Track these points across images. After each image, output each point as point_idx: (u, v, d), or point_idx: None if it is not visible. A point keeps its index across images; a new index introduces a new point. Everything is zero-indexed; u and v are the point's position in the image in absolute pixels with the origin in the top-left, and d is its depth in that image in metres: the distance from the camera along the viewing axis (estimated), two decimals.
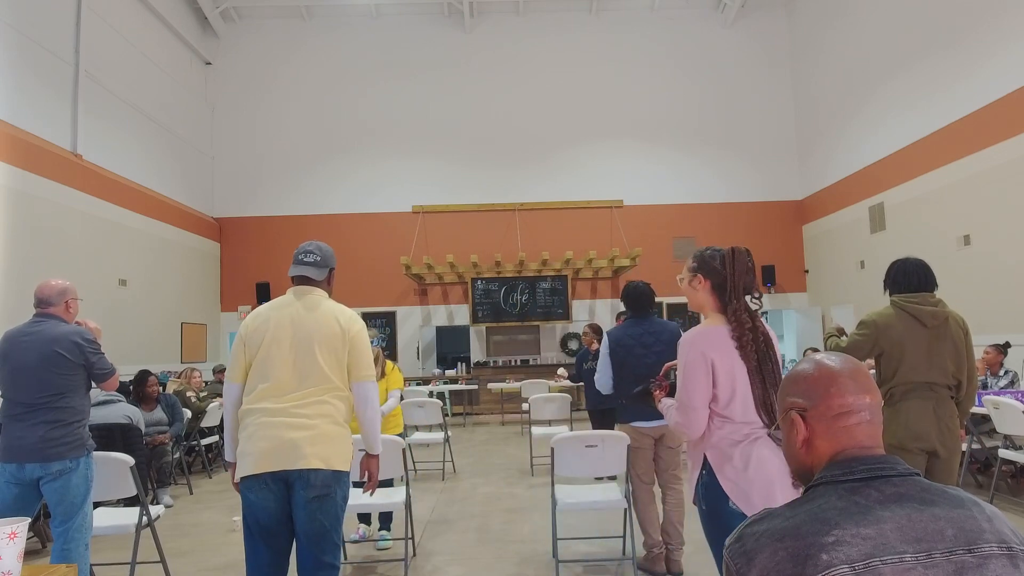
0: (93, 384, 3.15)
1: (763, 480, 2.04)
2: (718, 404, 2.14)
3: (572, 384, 7.97)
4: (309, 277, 2.60)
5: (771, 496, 2.01)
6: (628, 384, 3.77)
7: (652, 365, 3.74)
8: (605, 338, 3.91)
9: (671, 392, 2.39)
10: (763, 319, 2.28)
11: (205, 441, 7.34)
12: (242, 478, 2.40)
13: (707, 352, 2.14)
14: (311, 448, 2.36)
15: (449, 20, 13.80)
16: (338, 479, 2.42)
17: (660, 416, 3.71)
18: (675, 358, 3.79)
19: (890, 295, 3.10)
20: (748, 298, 2.25)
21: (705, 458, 2.17)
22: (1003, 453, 4.98)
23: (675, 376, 2.41)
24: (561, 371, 8.07)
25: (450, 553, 4.28)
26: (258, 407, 2.42)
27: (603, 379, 3.85)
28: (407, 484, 4.00)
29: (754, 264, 2.28)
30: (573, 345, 12.96)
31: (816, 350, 1.76)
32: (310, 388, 2.44)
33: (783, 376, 1.21)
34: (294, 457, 2.34)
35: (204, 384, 8.41)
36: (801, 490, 1.93)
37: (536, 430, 6.84)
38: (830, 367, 1.09)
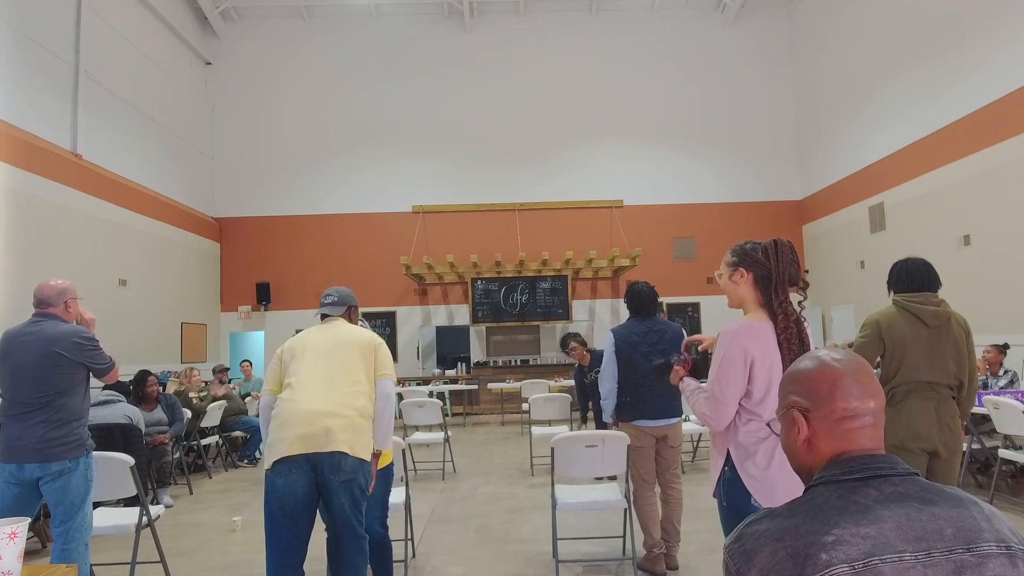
0: (94, 379, 3.15)
1: (787, 478, 1.99)
2: (750, 400, 2.09)
3: (576, 391, 7.83)
4: (330, 315, 3.06)
5: (795, 495, 1.96)
6: (632, 382, 3.77)
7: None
8: (610, 336, 3.89)
9: (693, 370, 2.33)
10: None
11: (205, 441, 7.34)
12: (274, 463, 2.63)
13: (749, 348, 2.07)
14: (342, 434, 2.63)
15: (449, 20, 13.80)
16: (361, 466, 2.70)
17: (660, 415, 3.76)
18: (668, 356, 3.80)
19: (893, 294, 3.09)
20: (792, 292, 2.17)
21: (728, 454, 2.13)
22: (1003, 453, 4.97)
23: (697, 351, 2.35)
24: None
25: (450, 553, 4.28)
26: (291, 397, 2.71)
27: (607, 378, 3.83)
28: (407, 484, 3.99)
29: (797, 256, 2.19)
30: None
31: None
32: (341, 381, 2.75)
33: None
34: (326, 441, 2.61)
35: (204, 384, 8.42)
36: None
37: (536, 430, 6.83)
38: (834, 368, 1.07)
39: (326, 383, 2.72)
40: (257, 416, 5.33)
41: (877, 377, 1.10)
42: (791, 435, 1.09)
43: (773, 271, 2.16)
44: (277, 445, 2.62)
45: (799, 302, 2.19)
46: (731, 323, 2.16)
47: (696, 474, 6.37)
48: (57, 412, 2.94)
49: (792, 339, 2.09)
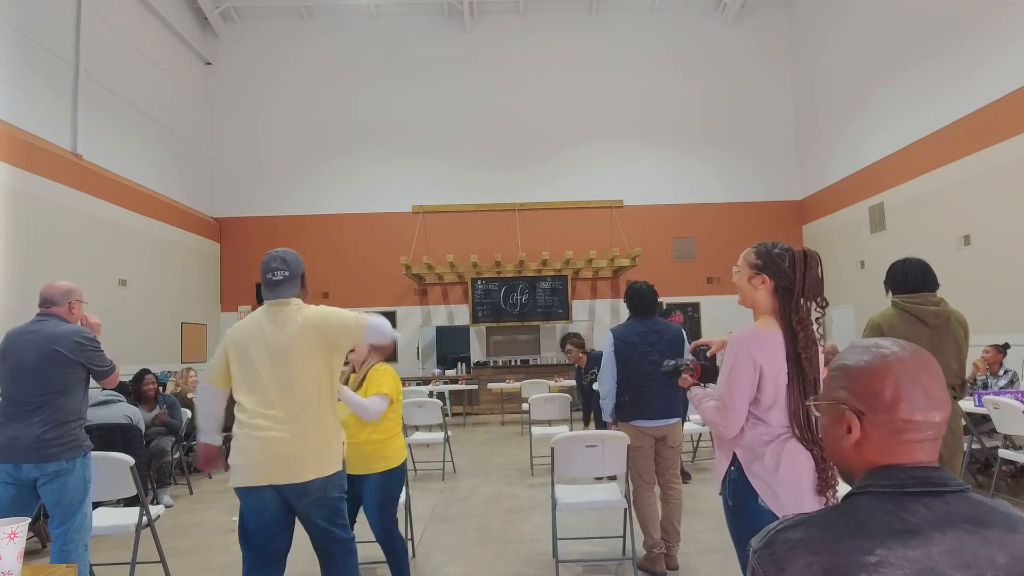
0: (94, 382, 3.14)
1: (792, 481, 2.01)
2: (758, 408, 2.10)
3: (576, 391, 7.82)
4: (280, 297, 2.61)
5: (799, 497, 1.98)
6: (631, 382, 3.77)
7: (657, 363, 3.74)
8: (609, 335, 3.89)
9: (701, 375, 2.32)
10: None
11: None
12: (235, 488, 2.52)
13: (758, 358, 2.06)
14: (305, 463, 2.46)
15: (449, 20, 13.80)
16: (331, 480, 2.54)
17: (659, 415, 3.76)
18: (678, 358, 3.80)
19: (891, 295, 3.09)
20: (812, 305, 2.13)
21: (734, 455, 2.14)
22: (1003, 453, 4.97)
23: (705, 356, 2.34)
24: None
25: (450, 553, 4.28)
26: (250, 422, 2.51)
27: (606, 377, 3.83)
28: (407, 484, 3.99)
29: (823, 272, 2.13)
30: None
31: None
32: (295, 400, 2.50)
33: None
34: (285, 471, 2.45)
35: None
36: (828, 495, 1.84)
37: (536, 430, 6.83)
38: (899, 372, 0.94)
39: (282, 400, 2.48)
40: None
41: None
42: (836, 431, 0.99)
43: (797, 285, 2.10)
44: (239, 471, 2.49)
45: (816, 319, 2.13)
46: (740, 331, 2.15)
47: (696, 473, 6.37)
48: (55, 412, 2.93)
49: (812, 359, 2.06)
